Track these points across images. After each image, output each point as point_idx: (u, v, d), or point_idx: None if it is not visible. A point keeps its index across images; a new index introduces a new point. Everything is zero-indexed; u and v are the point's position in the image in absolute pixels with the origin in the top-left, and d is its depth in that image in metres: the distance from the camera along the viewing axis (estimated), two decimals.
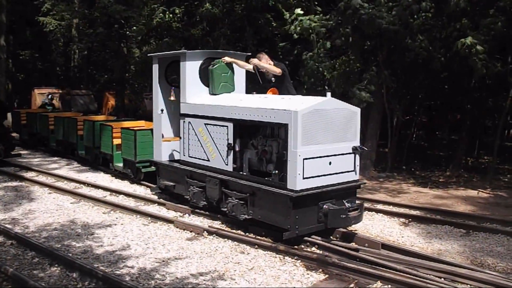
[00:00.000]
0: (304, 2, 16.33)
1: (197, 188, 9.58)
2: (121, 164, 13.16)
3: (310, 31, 13.67)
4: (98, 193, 11.71)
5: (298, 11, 13.98)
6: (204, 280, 6.69)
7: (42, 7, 29.01)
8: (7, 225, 8.97)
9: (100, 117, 17.32)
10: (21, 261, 7.36)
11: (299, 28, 13.78)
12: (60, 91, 28.17)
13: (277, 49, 18.98)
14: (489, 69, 11.95)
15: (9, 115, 19.25)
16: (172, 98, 10.61)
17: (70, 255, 7.51)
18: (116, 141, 13.24)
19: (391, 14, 12.78)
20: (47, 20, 28.84)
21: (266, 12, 19.28)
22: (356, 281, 6.58)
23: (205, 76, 9.94)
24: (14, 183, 12.79)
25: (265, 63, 9.44)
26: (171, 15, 20.45)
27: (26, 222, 9.41)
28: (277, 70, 9.33)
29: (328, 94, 8.12)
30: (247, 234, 8.52)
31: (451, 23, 12.99)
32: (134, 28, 24.18)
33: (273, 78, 9.44)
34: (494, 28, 12.09)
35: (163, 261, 7.38)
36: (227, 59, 9.91)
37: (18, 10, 30.31)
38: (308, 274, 6.91)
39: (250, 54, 11.14)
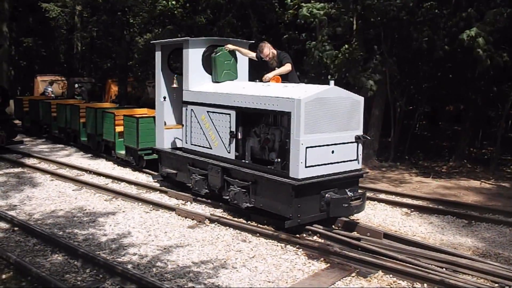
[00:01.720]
0: None
1: (199, 176, 9.56)
2: (123, 152, 13.16)
3: (312, 19, 13.57)
4: (100, 181, 11.72)
5: None
6: (205, 268, 6.69)
7: None
8: (9, 212, 8.99)
9: (103, 105, 17.30)
10: (23, 248, 7.38)
11: (301, 15, 13.69)
12: (63, 79, 28.13)
13: (281, 37, 18.85)
14: (494, 60, 11.83)
15: (11, 102, 19.23)
16: (174, 85, 10.57)
17: (72, 242, 7.52)
18: (119, 129, 13.24)
19: (397, 2, 12.68)
20: (50, 6, 28.73)
21: None
22: (357, 270, 6.58)
23: (208, 64, 9.88)
24: (16, 170, 12.80)
25: (268, 51, 9.40)
26: (173, 2, 20.33)
27: (28, 208, 9.42)
28: (253, 54, 9.79)
29: (332, 82, 8.07)
30: (249, 222, 8.52)
31: (456, 13, 12.88)
32: (138, 18, 24.07)
33: (276, 67, 9.38)
34: (499, 20, 11.97)
35: (165, 248, 7.38)
36: (230, 46, 9.86)
37: None
38: (309, 262, 6.90)
39: (253, 41, 11.08)
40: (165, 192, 10.52)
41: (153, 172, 11.99)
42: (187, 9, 21.06)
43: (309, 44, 14.23)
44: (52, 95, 23.04)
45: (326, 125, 7.83)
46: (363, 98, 8.42)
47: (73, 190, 10.88)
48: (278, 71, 9.19)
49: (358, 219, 8.66)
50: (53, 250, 7.23)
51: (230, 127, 8.84)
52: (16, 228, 8.15)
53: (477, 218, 9.12)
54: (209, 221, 8.58)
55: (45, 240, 7.54)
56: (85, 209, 9.40)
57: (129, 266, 6.59)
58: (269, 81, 9.06)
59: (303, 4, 13.63)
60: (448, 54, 13.51)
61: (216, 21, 20.44)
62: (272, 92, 8.24)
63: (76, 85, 23.42)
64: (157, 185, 11.11)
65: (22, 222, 8.29)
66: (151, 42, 12.16)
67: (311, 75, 14.53)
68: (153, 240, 7.75)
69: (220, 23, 19.52)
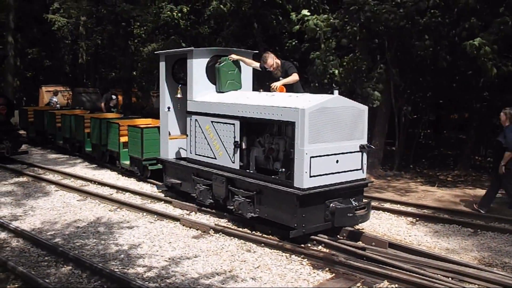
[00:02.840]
0: (313, 0, 16.24)
1: (204, 186, 9.56)
2: (128, 162, 13.18)
3: (317, 29, 13.61)
4: (105, 191, 11.73)
5: (305, 12, 13.91)
6: (210, 278, 6.66)
7: (51, 6, 29.11)
8: (13, 222, 9.00)
9: (107, 115, 17.35)
10: (28, 258, 7.37)
11: (305, 27, 13.73)
12: (68, 89, 28.24)
13: (285, 46, 18.89)
14: (500, 69, 11.81)
15: (16, 112, 19.31)
16: (179, 95, 10.60)
17: (77, 253, 7.52)
18: (123, 139, 13.27)
19: (399, 11, 12.71)
20: (55, 18, 28.93)
21: (274, 9, 19.22)
22: (362, 280, 6.55)
23: (212, 74, 9.92)
24: (21, 180, 12.83)
25: (272, 62, 9.45)
26: (179, 14, 20.42)
27: (32, 219, 9.43)
28: (257, 64, 9.83)
29: (336, 92, 8.08)
30: (253, 232, 8.51)
31: (459, 22, 12.87)
32: (142, 28, 24.23)
33: (281, 77, 9.40)
34: (503, 29, 11.95)
35: (170, 259, 7.37)
36: (234, 56, 9.90)
37: (26, 8, 30.39)
38: (314, 272, 6.88)
39: (257, 51, 11.11)
40: (170, 202, 10.52)
41: (157, 182, 12.00)
42: (191, 19, 21.16)
43: (313, 54, 14.26)
44: (57, 106, 23.14)
45: (331, 135, 7.83)
46: (367, 107, 8.43)
47: (77, 200, 10.89)
48: (287, 80, 9.20)
49: (363, 229, 8.64)
50: (58, 261, 7.22)
51: (234, 137, 8.85)
52: (20, 239, 8.16)
53: (483, 227, 9.07)
54: (213, 231, 8.57)
55: (50, 251, 7.53)
56: (90, 220, 9.40)
57: (134, 277, 6.57)
58: (276, 90, 9.09)
59: (308, 17, 13.65)
60: (451, 63, 13.49)
61: (220, 31, 20.51)
62: (276, 102, 8.26)
63: (113, 97, 23.31)
64: (161, 195, 11.11)
65: (26, 232, 8.30)
66: (155, 52, 12.22)
67: (314, 85, 14.52)
68: (157, 251, 7.73)
69: (224, 33, 19.58)
